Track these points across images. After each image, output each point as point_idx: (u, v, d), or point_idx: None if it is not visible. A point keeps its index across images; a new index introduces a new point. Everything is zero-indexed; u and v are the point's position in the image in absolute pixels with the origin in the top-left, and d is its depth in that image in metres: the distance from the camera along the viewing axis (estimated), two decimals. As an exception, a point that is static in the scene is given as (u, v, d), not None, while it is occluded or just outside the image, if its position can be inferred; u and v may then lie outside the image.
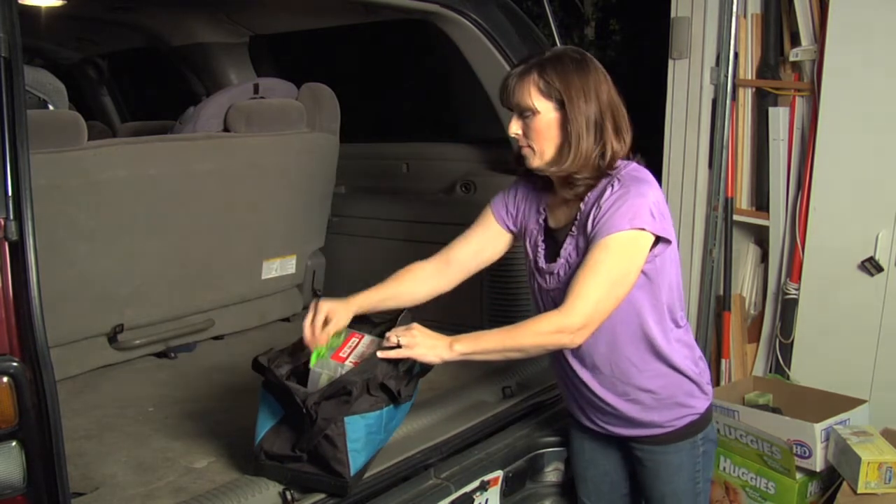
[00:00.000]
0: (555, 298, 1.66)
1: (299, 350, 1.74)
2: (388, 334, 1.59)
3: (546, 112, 1.57)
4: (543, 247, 1.72)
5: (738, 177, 3.00)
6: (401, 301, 1.78)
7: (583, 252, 1.59)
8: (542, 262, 1.71)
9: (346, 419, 1.56)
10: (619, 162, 1.62)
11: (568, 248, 1.65)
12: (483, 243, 1.82)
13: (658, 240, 1.56)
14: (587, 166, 1.58)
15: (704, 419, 1.75)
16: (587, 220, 1.58)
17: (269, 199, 2.64)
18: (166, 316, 2.51)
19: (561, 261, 1.66)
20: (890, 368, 2.61)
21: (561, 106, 1.56)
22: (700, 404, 1.73)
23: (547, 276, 1.70)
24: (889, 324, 2.60)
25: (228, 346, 2.67)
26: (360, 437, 1.59)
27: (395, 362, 1.62)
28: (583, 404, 1.78)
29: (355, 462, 1.60)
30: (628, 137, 1.62)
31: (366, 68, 4.61)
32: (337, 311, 1.69)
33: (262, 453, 1.64)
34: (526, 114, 1.59)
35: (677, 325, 1.70)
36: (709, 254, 3.03)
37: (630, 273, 1.55)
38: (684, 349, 1.71)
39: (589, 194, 1.61)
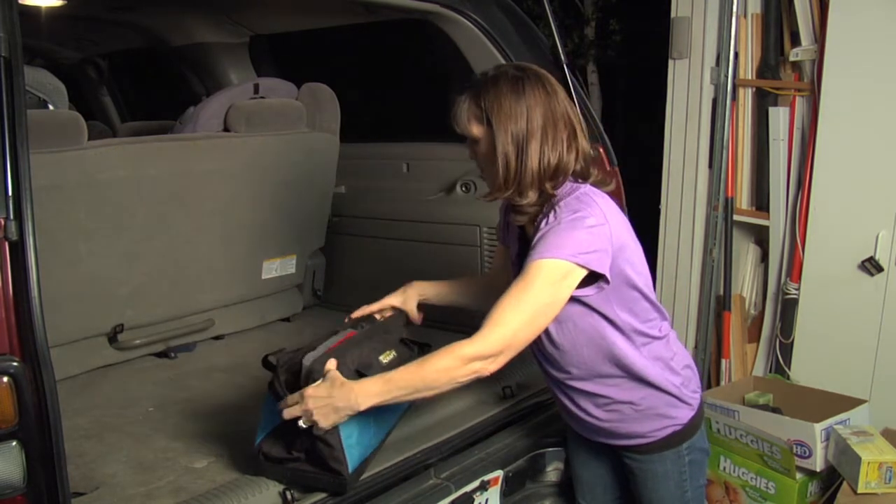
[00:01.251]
0: None
1: (310, 350, 1.75)
2: (284, 414, 1.53)
3: (484, 137, 1.56)
4: (517, 261, 1.71)
5: (738, 177, 3.00)
6: (467, 301, 1.91)
7: None
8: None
9: None
10: (567, 185, 1.57)
11: None
12: (501, 258, 1.89)
13: (599, 275, 1.51)
14: (525, 190, 1.54)
15: (689, 429, 1.72)
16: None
17: (269, 199, 2.64)
18: (166, 316, 2.51)
19: None
20: (890, 368, 2.61)
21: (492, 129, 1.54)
22: (682, 415, 1.70)
23: None
24: (889, 324, 2.60)
25: (228, 346, 2.67)
26: (353, 430, 1.60)
27: (370, 348, 1.68)
28: (569, 414, 1.78)
29: (352, 458, 1.61)
30: (572, 156, 1.55)
31: (366, 68, 4.60)
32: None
33: (260, 454, 1.65)
34: (471, 141, 1.59)
35: (653, 339, 1.67)
36: (709, 254, 3.03)
37: (553, 304, 1.50)
38: (658, 362, 1.67)
39: (537, 220, 1.58)
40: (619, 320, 1.59)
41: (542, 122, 1.53)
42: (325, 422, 1.50)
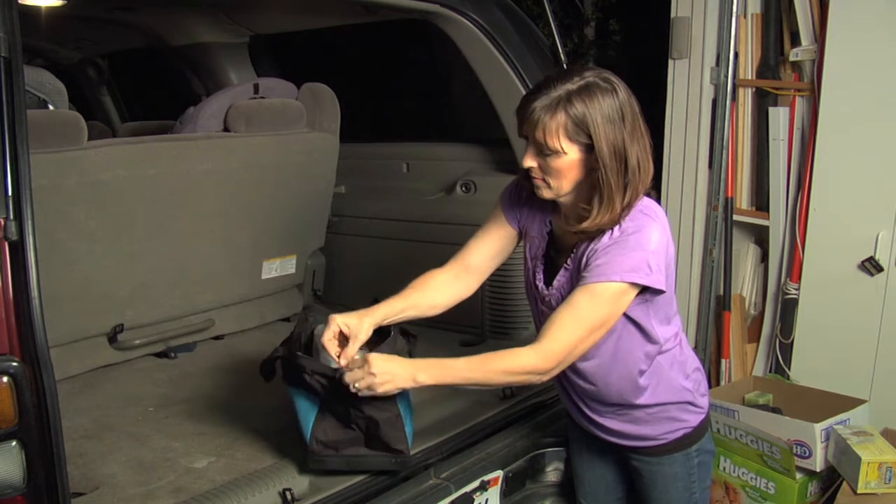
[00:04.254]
0: (542, 322, 1.65)
1: (298, 341, 1.78)
2: (345, 378, 1.54)
3: (572, 153, 1.48)
4: (542, 264, 1.69)
5: (738, 177, 3.00)
6: (421, 310, 1.73)
7: (574, 286, 1.56)
8: (539, 281, 1.69)
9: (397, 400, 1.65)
10: None
11: (561, 279, 1.62)
12: (498, 244, 1.76)
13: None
14: (615, 206, 1.49)
15: (698, 432, 1.73)
16: (582, 258, 1.55)
17: (269, 199, 2.64)
18: (166, 316, 2.51)
19: (553, 290, 1.64)
20: (890, 368, 2.61)
21: (588, 149, 1.48)
22: (693, 418, 1.71)
23: (542, 297, 1.68)
24: (889, 324, 2.60)
25: (228, 346, 2.67)
26: (406, 412, 1.69)
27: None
28: (578, 413, 1.79)
29: (408, 437, 1.70)
30: (650, 173, 1.53)
31: (366, 68, 4.61)
32: (354, 326, 1.62)
33: (317, 444, 1.67)
34: (547, 152, 1.49)
35: (672, 346, 1.67)
36: (709, 254, 3.03)
37: (611, 320, 1.52)
38: (674, 367, 1.68)
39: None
40: (652, 330, 1.60)
41: (638, 139, 1.50)
42: (381, 389, 1.51)
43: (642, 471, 1.77)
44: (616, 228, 1.51)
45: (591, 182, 1.51)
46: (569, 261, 1.61)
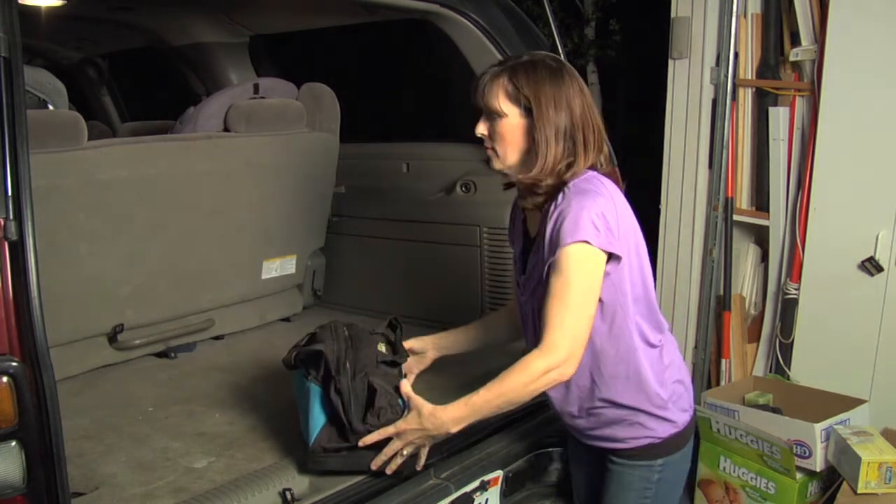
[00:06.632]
0: (525, 312, 1.69)
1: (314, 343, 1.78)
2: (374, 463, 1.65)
3: (513, 117, 1.57)
4: (521, 257, 1.72)
5: (738, 177, 3.00)
6: (480, 344, 1.94)
7: (545, 267, 1.56)
8: (518, 274, 1.72)
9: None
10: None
11: (532, 260, 1.64)
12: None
13: (610, 256, 1.52)
14: (552, 174, 1.56)
15: (666, 445, 1.67)
16: (546, 235, 1.56)
17: (269, 199, 2.64)
18: (166, 316, 2.51)
19: (528, 275, 1.66)
20: (890, 368, 2.61)
21: (528, 113, 1.56)
22: (661, 429, 1.65)
23: (520, 288, 1.71)
24: (889, 324, 2.60)
25: (228, 346, 2.67)
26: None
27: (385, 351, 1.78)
28: (557, 409, 1.78)
29: None
30: (594, 156, 1.59)
31: (366, 68, 4.61)
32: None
33: (319, 448, 1.68)
34: (493, 116, 1.59)
35: (649, 346, 1.64)
36: (709, 254, 3.03)
37: (592, 289, 1.52)
38: (653, 368, 1.64)
39: (546, 205, 1.59)
40: (618, 319, 1.59)
41: (581, 116, 1.56)
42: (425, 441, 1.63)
43: (611, 472, 1.72)
44: (560, 197, 1.55)
45: (536, 153, 1.57)
46: (535, 242, 1.64)
